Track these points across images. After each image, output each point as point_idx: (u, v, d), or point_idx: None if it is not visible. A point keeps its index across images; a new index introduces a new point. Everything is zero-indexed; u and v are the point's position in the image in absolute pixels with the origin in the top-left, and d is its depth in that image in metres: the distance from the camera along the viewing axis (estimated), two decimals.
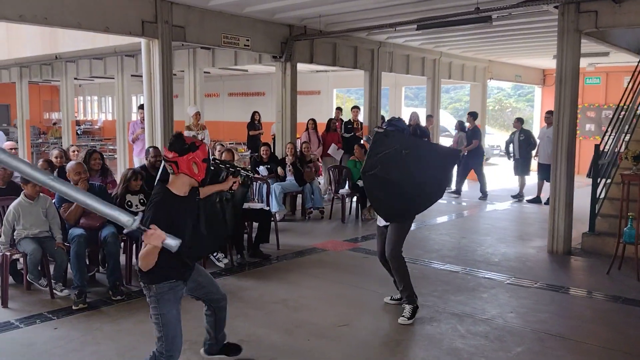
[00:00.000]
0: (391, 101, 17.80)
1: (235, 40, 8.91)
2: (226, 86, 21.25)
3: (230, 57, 11.40)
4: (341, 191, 9.51)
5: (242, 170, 3.65)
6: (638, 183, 6.16)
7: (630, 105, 8.06)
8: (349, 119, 12.12)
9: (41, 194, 5.29)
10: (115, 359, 4.01)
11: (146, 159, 6.99)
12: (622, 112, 7.77)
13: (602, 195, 7.41)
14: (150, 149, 6.99)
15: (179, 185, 3.15)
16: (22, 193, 5.23)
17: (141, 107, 9.73)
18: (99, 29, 7.45)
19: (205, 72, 18.31)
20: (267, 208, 7.24)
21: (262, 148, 9.73)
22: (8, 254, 5.10)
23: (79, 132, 25.71)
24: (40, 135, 24.56)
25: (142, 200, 5.75)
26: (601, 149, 7.33)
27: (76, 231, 5.19)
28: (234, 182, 3.58)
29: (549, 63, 14.80)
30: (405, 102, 19.02)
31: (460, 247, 7.54)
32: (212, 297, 3.67)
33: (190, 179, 3.15)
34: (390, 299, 5.26)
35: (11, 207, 5.15)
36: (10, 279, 5.55)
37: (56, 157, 7.01)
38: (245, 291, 5.59)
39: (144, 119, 8.93)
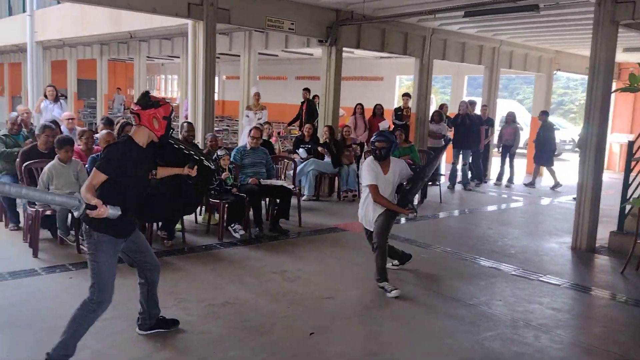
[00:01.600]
0: (453, 90, 17.51)
1: (280, 23, 9.21)
2: (294, 69, 21.69)
3: (282, 40, 11.74)
4: None
5: (203, 161, 3.83)
6: None
7: None
8: (399, 106, 12.16)
9: (73, 158, 5.88)
10: (109, 309, 4.46)
11: (180, 133, 7.49)
12: None
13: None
14: (185, 124, 7.47)
15: (140, 136, 3.52)
16: (56, 157, 5.83)
17: None
18: (147, 10, 8.00)
19: (272, 55, 18.89)
20: (291, 187, 7.52)
21: (306, 126, 10.04)
22: (40, 209, 5.72)
23: None
24: (126, 109, 26.23)
25: None
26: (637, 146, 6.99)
27: None
28: (190, 171, 3.75)
29: (625, 56, 14.00)
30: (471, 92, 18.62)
31: (481, 237, 7.50)
32: (146, 265, 3.86)
33: (149, 132, 3.51)
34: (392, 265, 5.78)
35: (46, 168, 5.77)
36: (49, 234, 6.26)
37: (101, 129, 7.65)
38: (250, 261, 5.95)
39: None
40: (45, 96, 10.24)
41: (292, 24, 9.36)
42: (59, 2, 13.52)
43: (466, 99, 13.26)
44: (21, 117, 7.79)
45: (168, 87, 30.69)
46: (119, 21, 11.74)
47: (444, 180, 11.44)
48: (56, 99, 10.24)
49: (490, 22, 10.55)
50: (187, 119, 11.10)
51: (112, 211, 3.27)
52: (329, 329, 4.30)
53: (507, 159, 12.35)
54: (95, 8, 11.57)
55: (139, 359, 3.76)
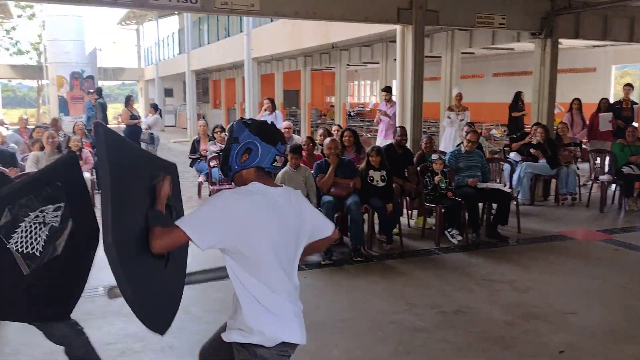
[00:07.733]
0: None
1: (490, 19, 8.82)
2: (491, 66, 20.78)
3: (488, 37, 11.26)
4: (601, 177, 8.70)
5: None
6: None
7: None
8: (619, 99, 10.88)
9: (301, 164, 6.27)
10: (346, 309, 4.64)
11: (394, 138, 7.58)
12: None
13: None
14: (398, 129, 7.54)
15: None
16: (287, 164, 6.26)
17: (385, 89, 10.36)
18: (359, 20, 8.25)
19: (468, 53, 18.31)
20: (509, 190, 7.14)
21: (538, 130, 9.35)
22: None
23: (352, 113, 28.14)
24: (321, 116, 27.62)
25: (382, 177, 6.33)
26: None
27: (327, 198, 6.04)
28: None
29: None
30: None
31: None
32: None
33: None
34: None
35: (279, 174, 6.22)
36: None
37: (320, 136, 8.09)
38: (473, 267, 5.75)
39: (388, 101, 9.76)
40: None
41: (503, 18, 8.91)
42: (272, 20, 14.67)
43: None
44: None
45: (361, 92, 31.66)
46: (327, 34, 12.34)
47: None
48: (272, 110, 11.05)
49: None
50: (377, 123, 11.02)
51: None
52: (580, 348, 3.93)
53: None
54: (304, 23, 12.33)
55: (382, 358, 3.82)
